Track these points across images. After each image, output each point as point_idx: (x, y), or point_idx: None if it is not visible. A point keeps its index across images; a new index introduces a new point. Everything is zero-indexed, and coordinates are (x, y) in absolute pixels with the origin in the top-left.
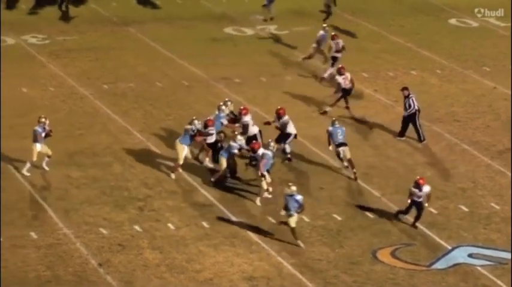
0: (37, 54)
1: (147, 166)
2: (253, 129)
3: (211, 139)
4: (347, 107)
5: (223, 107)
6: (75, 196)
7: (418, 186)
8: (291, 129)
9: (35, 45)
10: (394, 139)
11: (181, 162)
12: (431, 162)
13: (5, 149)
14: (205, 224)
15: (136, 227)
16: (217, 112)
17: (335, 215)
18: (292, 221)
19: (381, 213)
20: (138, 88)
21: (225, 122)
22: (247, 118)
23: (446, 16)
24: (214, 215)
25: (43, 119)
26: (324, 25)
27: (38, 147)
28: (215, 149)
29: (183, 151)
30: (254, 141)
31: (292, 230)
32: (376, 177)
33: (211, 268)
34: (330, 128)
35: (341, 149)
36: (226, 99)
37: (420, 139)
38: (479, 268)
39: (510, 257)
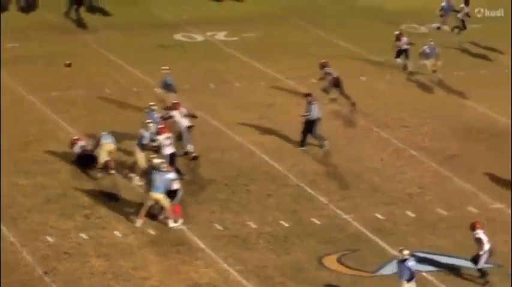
0: None
1: (94, 173)
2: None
3: (169, 150)
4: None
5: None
6: (22, 203)
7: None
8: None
9: None
10: (341, 145)
11: (142, 164)
12: (378, 168)
13: None
14: (151, 231)
15: (83, 235)
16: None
17: (282, 222)
18: None
19: (328, 219)
20: (88, 95)
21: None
22: (175, 113)
23: (397, 22)
24: (161, 223)
25: None
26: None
27: None
28: (172, 162)
29: (141, 154)
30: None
31: None
32: (324, 183)
33: (158, 275)
34: None
35: None
36: (150, 103)
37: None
38: (425, 274)
39: (457, 263)
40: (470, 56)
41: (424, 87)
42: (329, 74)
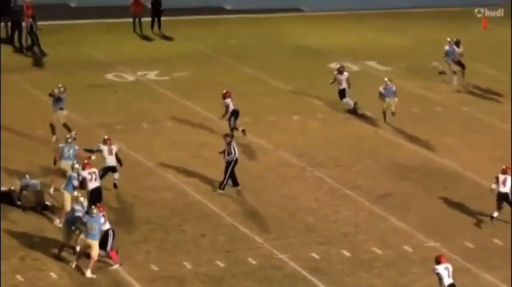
0: None
1: (30, 215)
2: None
3: (94, 184)
4: (235, 129)
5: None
6: None
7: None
8: None
9: None
10: (275, 184)
11: (68, 209)
12: (313, 207)
13: None
14: (88, 272)
15: (19, 277)
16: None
17: (218, 262)
18: None
19: (264, 259)
20: (19, 136)
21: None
22: (104, 147)
23: (326, 60)
24: (97, 264)
25: None
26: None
27: None
28: (98, 197)
29: (69, 198)
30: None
31: None
32: (258, 223)
33: None
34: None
35: None
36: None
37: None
38: None
39: None
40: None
41: (356, 126)
42: (227, 106)
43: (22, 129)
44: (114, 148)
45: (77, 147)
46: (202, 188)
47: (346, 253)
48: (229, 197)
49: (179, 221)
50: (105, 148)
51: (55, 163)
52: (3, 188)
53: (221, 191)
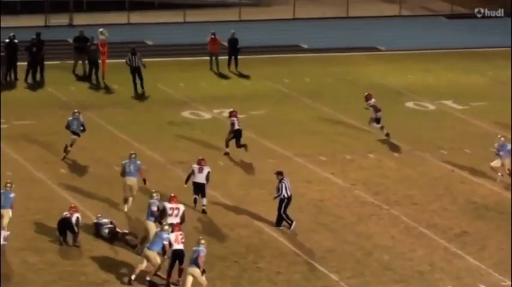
0: None
1: (105, 250)
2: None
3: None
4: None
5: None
6: (32, 281)
7: None
8: None
9: None
10: (351, 222)
11: (151, 237)
12: (389, 245)
13: None
14: (132, 276)
15: None
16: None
17: None
18: None
19: None
20: (96, 172)
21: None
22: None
23: (403, 99)
24: None
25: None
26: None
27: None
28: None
29: (152, 227)
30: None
31: None
32: (334, 261)
33: None
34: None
35: None
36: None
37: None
38: None
39: None
40: (476, 133)
41: (432, 164)
42: (233, 124)
43: (97, 165)
44: (206, 169)
45: (138, 162)
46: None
47: None
48: (304, 235)
49: (255, 258)
50: (196, 167)
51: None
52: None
53: (280, 228)
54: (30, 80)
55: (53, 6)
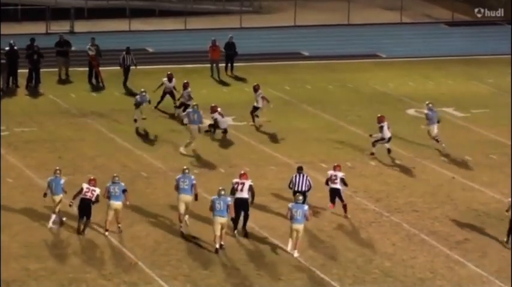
0: None
1: (106, 258)
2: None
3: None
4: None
5: None
6: None
7: None
8: None
9: None
10: (352, 229)
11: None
12: (390, 252)
13: None
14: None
15: None
16: None
17: None
18: None
19: None
20: (98, 180)
21: None
22: None
23: (404, 107)
24: None
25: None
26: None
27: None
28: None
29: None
30: None
31: None
32: (335, 268)
33: None
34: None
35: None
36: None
37: None
38: None
39: None
40: (477, 140)
41: (433, 172)
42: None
43: (99, 173)
44: (246, 184)
45: (192, 176)
46: (279, 232)
47: None
48: (306, 242)
49: (256, 265)
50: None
51: None
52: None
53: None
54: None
55: (54, 13)
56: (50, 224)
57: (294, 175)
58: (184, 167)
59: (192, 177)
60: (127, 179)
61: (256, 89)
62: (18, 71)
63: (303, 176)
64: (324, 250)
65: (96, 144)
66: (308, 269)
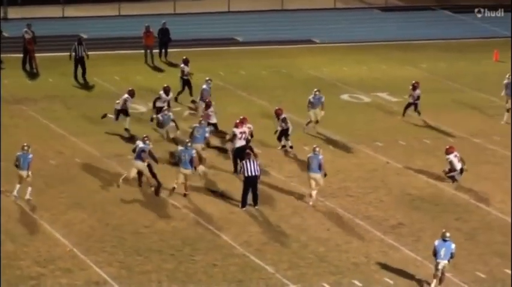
0: None
1: (40, 244)
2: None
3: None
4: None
5: None
6: None
7: None
8: None
9: None
10: (286, 214)
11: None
12: (324, 237)
13: None
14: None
15: None
16: None
17: None
18: None
19: None
20: (32, 166)
21: None
22: None
23: (338, 91)
24: None
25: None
26: None
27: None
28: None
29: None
30: None
31: None
32: (270, 253)
33: None
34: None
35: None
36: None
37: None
38: None
39: None
40: (410, 125)
41: (367, 157)
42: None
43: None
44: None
45: (193, 151)
46: (214, 218)
47: (358, 283)
48: (241, 227)
49: (190, 251)
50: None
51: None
52: None
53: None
54: None
55: None
56: (15, 192)
57: (243, 162)
58: (187, 140)
59: (193, 151)
60: (62, 165)
61: (278, 113)
62: None
63: (252, 161)
64: (258, 236)
65: (30, 131)
66: (243, 254)
